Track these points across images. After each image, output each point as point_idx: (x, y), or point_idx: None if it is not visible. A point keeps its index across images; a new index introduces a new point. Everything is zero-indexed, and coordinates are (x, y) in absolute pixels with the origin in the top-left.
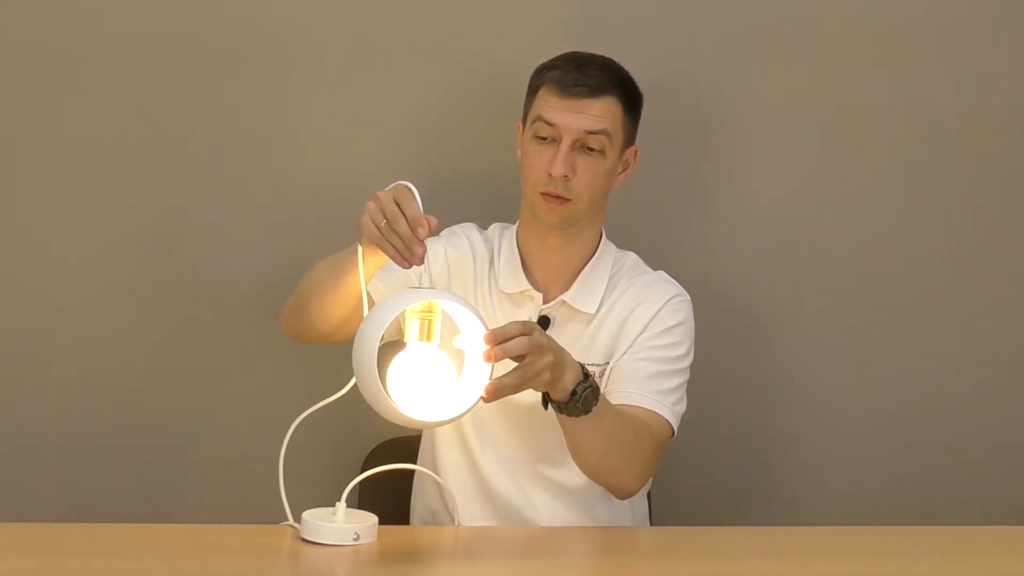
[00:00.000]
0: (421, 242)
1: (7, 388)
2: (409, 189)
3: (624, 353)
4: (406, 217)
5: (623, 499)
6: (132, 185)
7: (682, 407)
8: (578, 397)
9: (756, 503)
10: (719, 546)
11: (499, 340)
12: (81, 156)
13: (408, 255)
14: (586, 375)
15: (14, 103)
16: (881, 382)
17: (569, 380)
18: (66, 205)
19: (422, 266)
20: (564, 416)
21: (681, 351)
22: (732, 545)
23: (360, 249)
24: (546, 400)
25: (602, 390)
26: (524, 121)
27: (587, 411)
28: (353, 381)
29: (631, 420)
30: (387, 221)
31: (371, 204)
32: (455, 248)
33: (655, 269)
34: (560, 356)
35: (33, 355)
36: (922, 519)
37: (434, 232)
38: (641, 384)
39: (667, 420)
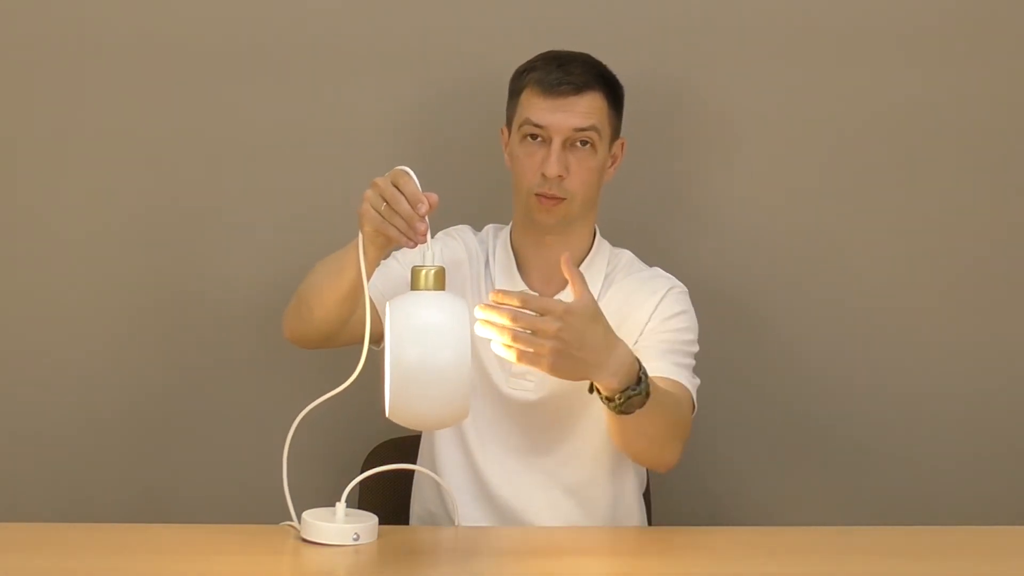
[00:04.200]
0: (422, 219)
1: (7, 388)
2: (406, 172)
3: (635, 343)
4: (405, 196)
5: (663, 472)
6: (132, 186)
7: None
8: (618, 402)
9: (756, 503)
10: (719, 546)
11: (535, 309)
12: (82, 158)
13: (411, 233)
14: (639, 381)
15: (16, 102)
16: (880, 381)
17: (614, 382)
18: (66, 206)
19: (425, 244)
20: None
21: (690, 336)
22: (732, 545)
23: (360, 238)
24: (592, 386)
25: None
26: (508, 126)
27: (627, 412)
28: (357, 373)
29: (675, 402)
30: (387, 204)
31: (369, 191)
32: (450, 250)
33: (650, 267)
34: (586, 356)
35: (33, 354)
36: (922, 519)
37: (435, 209)
38: (664, 357)
39: (690, 392)
